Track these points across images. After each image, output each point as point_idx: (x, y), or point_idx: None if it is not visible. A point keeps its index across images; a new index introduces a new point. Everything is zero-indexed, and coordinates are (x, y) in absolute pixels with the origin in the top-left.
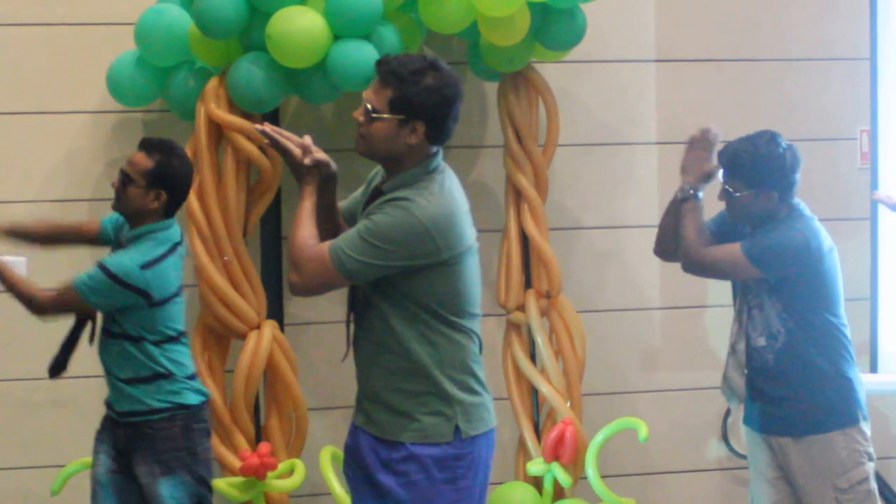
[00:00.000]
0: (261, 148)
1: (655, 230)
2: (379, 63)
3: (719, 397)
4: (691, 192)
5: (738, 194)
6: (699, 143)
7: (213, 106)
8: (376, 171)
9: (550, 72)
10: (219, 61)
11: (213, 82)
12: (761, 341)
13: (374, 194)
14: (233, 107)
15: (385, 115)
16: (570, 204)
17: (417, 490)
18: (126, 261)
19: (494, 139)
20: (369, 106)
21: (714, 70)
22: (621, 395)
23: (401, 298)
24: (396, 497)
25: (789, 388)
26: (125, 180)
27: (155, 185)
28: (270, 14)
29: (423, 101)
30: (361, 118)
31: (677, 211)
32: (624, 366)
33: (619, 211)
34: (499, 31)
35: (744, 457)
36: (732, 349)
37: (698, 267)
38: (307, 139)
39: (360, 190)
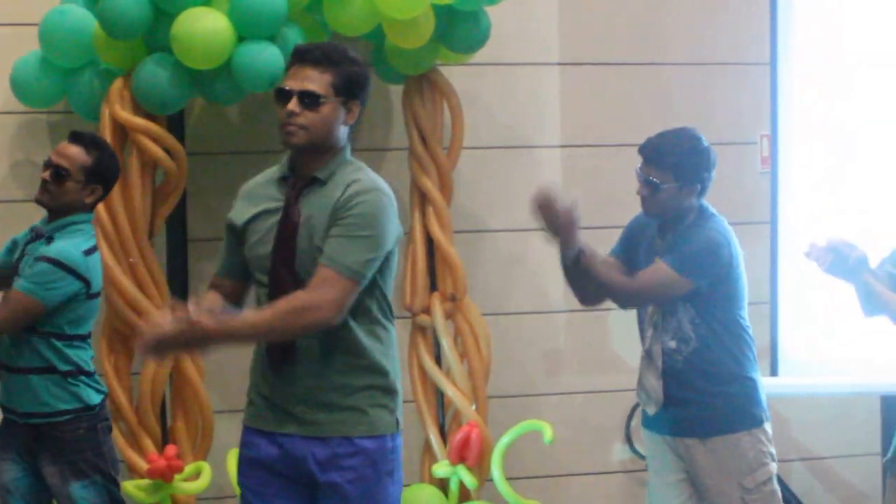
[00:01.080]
0: (166, 150)
1: None
2: (305, 51)
3: (623, 400)
4: (578, 250)
5: (665, 186)
6: (557, 212)
7: (118, 107)
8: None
9: (455, 74)
10: (123, 62)
11: (117, 83)
12: (672, 344)
13: (298, 184)
14: (138, 108)
15: (332, 99)
16: (474, 207)
17: (364, 484)
18: (69, 247)
19: (399, 142)
20: (316, 91)
21: (617, 73)
22: (526, 397)
23: (365, 293)
24: (344, 494)
25: (697, 390)
26: (62, 174)
27: (93, 180)
28: (175, 15)
29: (361, 82)
30: (298, 108)
31: (577, 270)
32: (529, 368)
33: (523, 214)
34: (403, 34)
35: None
36: (647, 354)
37: (633, 300)
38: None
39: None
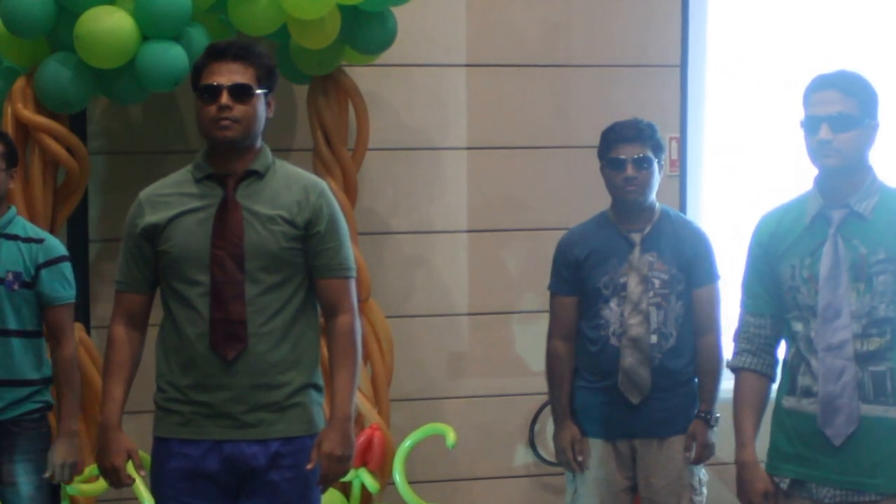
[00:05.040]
0: (68, 149)
1: (464, 235)
2: (225, 47)
3: (527, 403)
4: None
5: (655, 164)
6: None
7: (20, 106)
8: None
9: (360, 75)
10: (26, 61)
11: (20, 82)
12: (653, 339)
13: (232, 179)
14: (40, 107)
15: (260, 91)
16: (379, 208)
17: (301, 483)
18: (52, 237)
19: (303, 142)
20: (247, 83)
21: (524, 75)
22: (429, 400)
23: (309, 287)
24: (281, 493)
25: (665, 388)
26: None
27: (11, 164)
28: (79, 14)
29: (276, 75)
30: (231, 101)
31: None
32: (432, 371)
33: (428, 216)
34: (309, 34)
35: (551, 463)
36: (634, 342)
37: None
38: None
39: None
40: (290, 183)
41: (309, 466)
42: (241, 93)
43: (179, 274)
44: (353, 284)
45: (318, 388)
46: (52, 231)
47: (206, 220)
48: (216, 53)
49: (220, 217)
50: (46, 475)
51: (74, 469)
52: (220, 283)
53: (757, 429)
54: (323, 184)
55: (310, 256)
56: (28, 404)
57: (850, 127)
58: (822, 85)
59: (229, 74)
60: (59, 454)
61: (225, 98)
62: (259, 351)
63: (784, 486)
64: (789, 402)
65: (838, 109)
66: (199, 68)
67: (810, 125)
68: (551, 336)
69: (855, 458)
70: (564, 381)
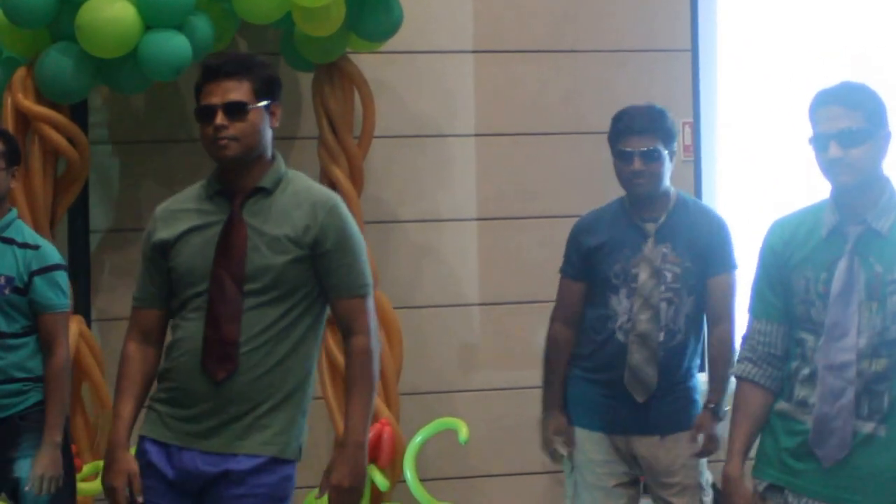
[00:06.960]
0: (69, 139)
1: (473, 223)
2: (218, 65)
3: (540, 397)
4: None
5: (664, 154)
6: None
7: (21, 96)
8: None
9: (366, 62)
10: (27, 51)
11: (20, 72)
12: (660, 336)
13: (239, 196)
14: (41, 97)
15: (257, 105)
16: (385, 197)
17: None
18: (49, 244)
19: (308, 131)
20: (241, 100)
21: (532, 61)
22: (440, 394)
23: (316, 297)
24: None
25: (668, 384)
26: None
27: (12, 163)
28: (80, 3)
29: (277, 84)
30: (227, 120)
31: None
32: (443, 364)
33: (435, 204)
34: (313, 22)
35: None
36: (642, 339)
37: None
38: None
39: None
40: (299, 200)
41: (317, 496)
42: (236, 110)
43: (183, 290)
44: (369, 302)
45: (300, 412)
46: (52, 222)
47: (211, 239)
48: (210, 73)
49: (224, 236)
50: (27, 489)
51: (56, 483)
52: (217, 303)
53: (751, 442)
54: (334, 199)
55: (321, 276)
56: (34, 394)
57: (861, 141)
58: (826, 101)
59: (223, 93)
60: (40, 466)
61: (220, 118)
62: (248, 370)
63: (761, 488)
64: (783, 406)
65: (846, 125)
66: (197, 89)
67: (819, 143)
68: (554, 319)
69: (838, 473)
70: (560, 368)
